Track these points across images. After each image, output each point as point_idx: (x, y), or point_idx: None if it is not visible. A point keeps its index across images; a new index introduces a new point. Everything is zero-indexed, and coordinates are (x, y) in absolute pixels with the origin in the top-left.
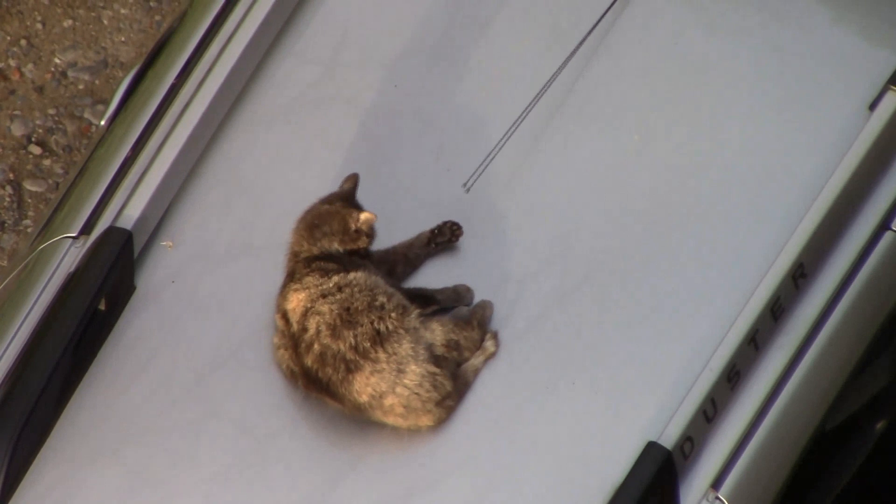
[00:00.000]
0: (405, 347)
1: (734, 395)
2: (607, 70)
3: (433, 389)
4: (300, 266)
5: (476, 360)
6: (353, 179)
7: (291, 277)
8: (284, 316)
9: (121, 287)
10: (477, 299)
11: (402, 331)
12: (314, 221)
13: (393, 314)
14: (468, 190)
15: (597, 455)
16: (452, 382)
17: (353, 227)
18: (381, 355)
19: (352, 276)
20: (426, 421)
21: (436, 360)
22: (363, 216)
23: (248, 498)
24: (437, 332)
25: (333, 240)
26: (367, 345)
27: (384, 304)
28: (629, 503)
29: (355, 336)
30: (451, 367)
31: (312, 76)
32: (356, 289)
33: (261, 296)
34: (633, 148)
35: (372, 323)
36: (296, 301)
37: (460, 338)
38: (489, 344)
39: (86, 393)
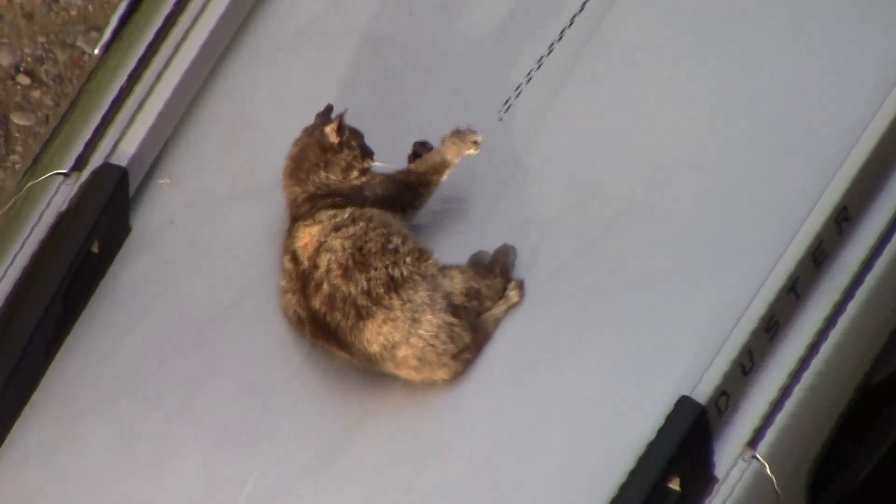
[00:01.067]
0: (421, 295)
1: (773, 347)
2: (639, 2)
3: (450, 341)
4: (305, 206)
5: (497, 310)
6: (326, 112)
7: (297, 219)
8: (294, 256)
9: (115, 228)
10: (501, 242)
11: (418, 277)
12: (293, 165)
13: (408, 258)
14: (501, 117)
15: (625, 411)
16: (471, 334)
17: (328, 143)
18: (396, 302)
19: (367, 209)
20: (441, 374)
21: (454, 309)
22: (328, 127)
23: (249, 456)
24: (456, 280)
25: (320, 170)
26: (381, 290)
27: (398, 246)
28: (660, 462)
29: (368, 280)
30: (471, 318)
31: (321, 4)
32: (371, 224)
33: (265, 239)
34: (665, 85)
35: (386, 268)
36: (308, 237)
37: (482, 286)
38: (513, 293)
39: (76, 343)
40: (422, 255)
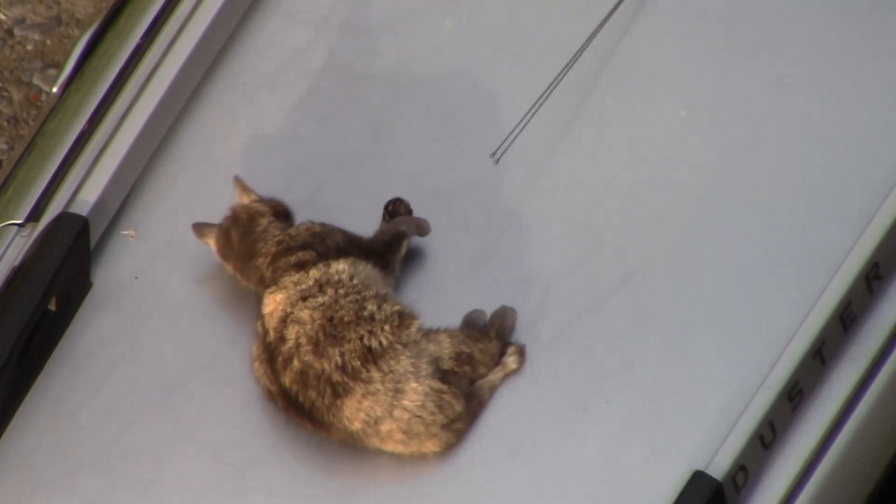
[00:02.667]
0: (403, 364)
1: (796, 418)
2: (650, 33)
3: (438, 411)
4: (268, 271)
5: (493, 377)
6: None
7: (265, 286)
8: (263, 324)
9: (74, 284)
10: (498, 303)
11: (399, 346)
12: (243, 249)
13: (386, 326)
14: (497, 161)
15: (634, 487)
16: (462, 402)
17: (256, 206)
18: (375, 374)
19: (334, 268)
20: (431, 447)
21: (442, 375)
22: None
23: None
24: (444, 345)
25: (274, 226)
26: (357, 364)
27: (374, 313)
28: None
29: (342, 354)
30: (463, 385)
31: (303, 38)
32: (341, 291)
33: (239, 296)
34: (679, 126)
35: (361, 339)
36: (272, 304)
37: (474, 350)
38: (511, 359)
39: (32, 409)
40: (402, 320)
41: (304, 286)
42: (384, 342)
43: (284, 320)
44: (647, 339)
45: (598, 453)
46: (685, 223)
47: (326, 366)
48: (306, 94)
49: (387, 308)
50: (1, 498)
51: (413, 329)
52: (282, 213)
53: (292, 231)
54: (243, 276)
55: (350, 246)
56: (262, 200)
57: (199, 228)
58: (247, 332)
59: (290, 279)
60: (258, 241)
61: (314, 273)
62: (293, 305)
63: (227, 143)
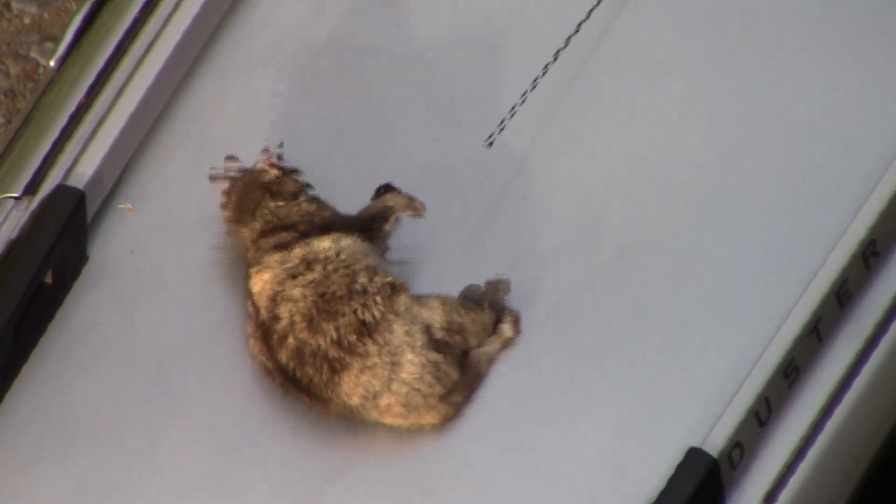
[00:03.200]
0: (398, 333)
1: (792, 394)
2: (644, 15)
3: (436, 382)
4: (252, 250)
5: (489, 347)
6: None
7: (250, 265)
8: (253, 302)
9: (71, 257)
10: (492, 275)
11: (391, 315)
12: (236, 209)
13: (378, 298)
14: (490, 146)
15: (630, 463)
16: (458, 371)
17: (268, 178)
18: (371, 348)
19: (317, 244)
20: (430, 419)
21: (436, 345)
22: (262, 165)
23: None
24: (436, 312)
25: (268, 202)
26: (353, 338)
27: (366, 286)
28: None
29: (337, 329)
30: (456, 354)
31: (300, 14)
32: (330, 266)
33: (235, 270)
34: (677, 102)
35: (355, 312)
36: (259, 283)
37: (465, 320)
38: (507, 328)
39: (27, 383)
40: (394, 291)
41: (289, 264)
42: (377, 314)
43: (275, 299)
44: (643, 316)
45: (593, 430)
46: (680, 200)
47: (322, 342)
48: (302, 71)
49: (378, 280)
50: None
51: (403, 298)
52: (285, 192)
53: (283, 211)
54: (228, 233)
55: (335, 220)
56: (279, 170)
57: (214, 175)
58: (242, 307)
59: (273, 258)
60: (247, 210)
61: (297, 251)
62: (282, 284)
63: (223, 117)
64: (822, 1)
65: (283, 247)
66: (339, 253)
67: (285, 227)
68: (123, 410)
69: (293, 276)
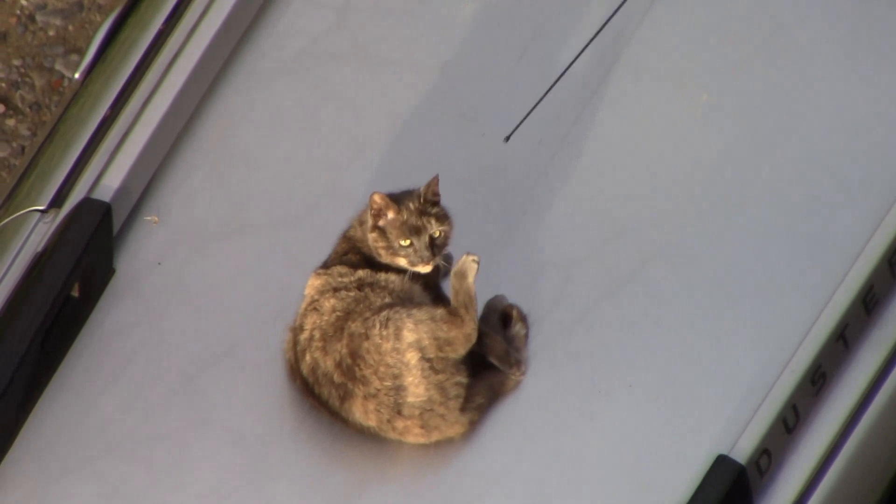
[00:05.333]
0: (387, 356)
1: (819, 401)
2: (669, 16)
3: (447, 399)
4: (343, 245)
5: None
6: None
7: (327, 260)
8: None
9: (97, 270)
10: (518, 288)
11: (374, 332)
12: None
13: (367, 313)
14: (507, 140)
15: (657, 471)
16: (467, 374)
17: (374, 211)
18: (367, 372)
19: (382, 276)
20: (455, 431)
21: (431, 363)
22: (376, 196)
23: None
24: (420, 328)
25: (366, 230)
26: (349, 361)
27: (371, 304)
28: None
29: (340, 350)
30: (456, 361)
31: (322, 24)
32: (379, 292)
33: (260, 281)
34: (701, 109)
35: (350, 330)
36: (310, 287)
37: (450, 335)
38: (517, 326)
39: (55, 395)
40: (382, 309)
41: (345, 279)
42: (363, 330)
43: (308, 307)
44: (669, 323)
45: (620, 438)
46: (705, 205)
47: (330, 364)
48: (325, 80)
49: (378, 301)
50: (24, 483)
51: (392, 315)
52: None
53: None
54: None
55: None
56: (395, 205)
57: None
58: (268, 318)
59: (338, 269)
60: (361, 224)
61: (361, 273)
62: (322, 294)
63: (246, 128)
64: (848, 8)
65: (354, 265)
66: (401, 288)
67: (357, 251)
68: (150, 422)
69: (337, 290)
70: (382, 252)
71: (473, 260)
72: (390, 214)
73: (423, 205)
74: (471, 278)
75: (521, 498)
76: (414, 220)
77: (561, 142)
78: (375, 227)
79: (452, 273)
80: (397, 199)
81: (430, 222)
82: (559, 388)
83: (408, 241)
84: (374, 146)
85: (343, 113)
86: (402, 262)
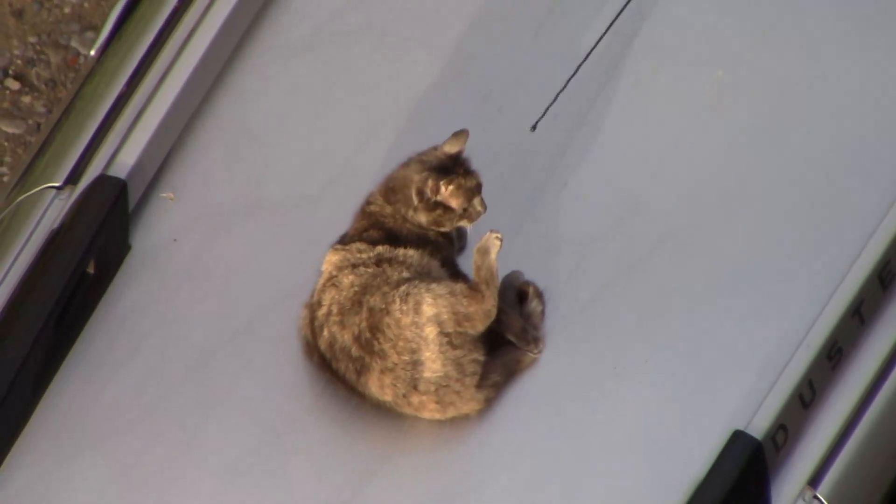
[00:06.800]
0: (406, 329)
1: (835, 376)
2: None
3: (463, 375)
4: (363, 222)
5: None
6: (461, 139)
7: (344, 235)
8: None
9: (113, 246)
10: (535, 265)
11: (394, 307)
12: (388, 185)
13: (386, 288)
14: (534, 129)
15: (674, 446)
16: (484, 352)
17: (426, 195)
18: (386, 346)
19: (401, 251)
20: (471, 408)
21: (449, 338)
22: (436, 182)
23: (260, 497)
24: (440, 301)
25: (408, 210)
26: (368, 335)
27: (389, 279)
28: (712, 503)
29: (359, 323)
30: (474, 338)
31: (338, 2)
32: (397, 268)
33: (276, 258)
34: (715, 95)
35: (370, 304)
36: (327, 263)
37: (470, 310)
38: (534, 303)
39: (70, 373)
40: (400, 284)
41: (363, 255)
42: (383, 305)
43: (327, 282)
44: (685, 300)
45: (636, 414)
46: (722, 184)
47: (348, 338)
48: (341, 59)
49: (396, 276)
50: (40, 460)
51: (411, 290)
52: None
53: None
54: (382, 199)
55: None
56: (430, 169)
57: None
58: (284, 295)
59: (357, 246)
60: (398, 202)
61: (380, 248)
62: (340, 269)
63: (262, 106)
64: None
65: (369, 241)
66: (419, 264)
67: (379, 227)
68: (166, 399)
69: (355, 266)
70: (447, 222)
71: (497, 237)
72: (450, 188)
73: (457, 164)
74: (493, 255)
75: (537, 474)
76: (469, 182)
77: (579, 120)
78: (436, 204)
79: (476, 249)
80: (435, 169)
81: (474, 174)
82: (575, 365)
83: (477, 199)
84: (388, 124)
85: (358, 91)
86: (465, 222)
